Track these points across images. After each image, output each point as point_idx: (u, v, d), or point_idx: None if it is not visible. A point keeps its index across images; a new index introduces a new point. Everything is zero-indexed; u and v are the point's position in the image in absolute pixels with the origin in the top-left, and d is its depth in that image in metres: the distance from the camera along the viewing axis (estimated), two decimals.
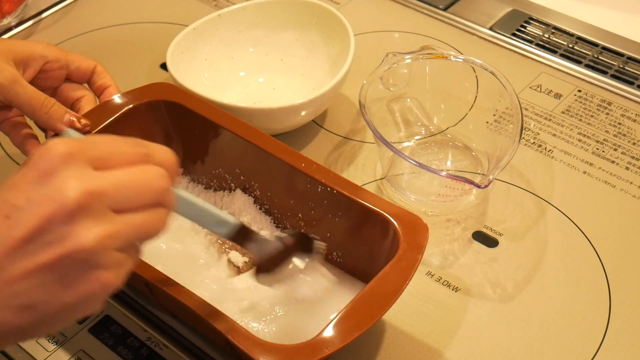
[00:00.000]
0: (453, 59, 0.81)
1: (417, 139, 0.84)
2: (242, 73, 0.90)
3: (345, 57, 0.81)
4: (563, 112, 0.88)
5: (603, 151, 0.83)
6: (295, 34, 0.90)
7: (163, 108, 0.75)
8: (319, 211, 0.69)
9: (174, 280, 0.61)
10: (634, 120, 0.87)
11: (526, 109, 0.88)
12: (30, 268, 0.43)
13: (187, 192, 0.53)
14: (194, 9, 1.02)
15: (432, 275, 0.72)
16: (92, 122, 0.70)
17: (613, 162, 0.82)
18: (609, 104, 0.89)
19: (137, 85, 0.76)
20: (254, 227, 0.72)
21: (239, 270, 0.70)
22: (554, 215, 0.77)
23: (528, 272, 0.72)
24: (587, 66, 0.94)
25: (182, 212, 0.52)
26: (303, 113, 0.80)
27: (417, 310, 0.69)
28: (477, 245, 0.74)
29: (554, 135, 0.85)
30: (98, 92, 0.75)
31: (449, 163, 0.82)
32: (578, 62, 0.94)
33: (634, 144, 0.84)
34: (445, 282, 0.71)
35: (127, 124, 0.73)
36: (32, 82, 0.71)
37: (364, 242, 0.67)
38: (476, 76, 0.81)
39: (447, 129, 0.84)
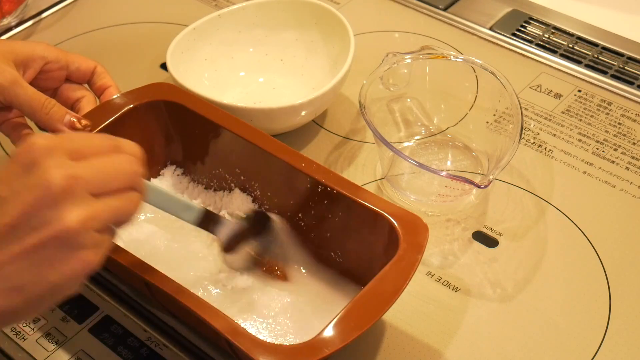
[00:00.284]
0: (453, 59, 0.81)
1: (417, 139, 0.84)
2: (242, 73, 0.90)
3: (345, 57, 0.81)
4: (563, 112, 0.88)
5: (603, 151, 0.83)
6: (295, 34, 0.90)
7: (163, 108, 0.75)
8: (319, 211, 0.69)
9: (174, 280, 0.61)
10: (634, 120, 0.87)
11: (526, 109, 0.88)
12: (18, 251, 0.47)
13: (155, 183, 0.55)
14: (194, 9, 1.02)
15: (432, 275, 0.72)
16: (92, 122, 0.70)
17: (613, 162, 0.82)
18: (609, 104, 0.89)
19: (137, 85, 0.76)
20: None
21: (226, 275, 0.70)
22: (554, 215, 0.77)
23: (528, 272, 0.72)
24: (587, 66, 0.94)
25: (152, 200, 0.57)
26: (303, 113, 0.80)
27: (417, 310, 0.69)
28: (477, 245, 0.74)
29: (554, 135, 0.85)
30: (98, 92, 0.75)
31: (449, 163, 0.82)
32: (578, 62, 0.94)
33: (634, 144, 0.84)
34: (445, 282, 0.71)
35: (127, 124, 0.73)
36: (32, 82, 0.71)
37: (364, 242, 0.67)
38: (476, 76, 0.81)
39: (447, 129, 0.84)
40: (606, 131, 0.85)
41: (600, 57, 0.95)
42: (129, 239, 0.71)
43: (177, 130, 0.76)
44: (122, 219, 0.51)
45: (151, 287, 0.63)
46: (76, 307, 0.68)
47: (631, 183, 0.80)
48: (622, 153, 0.83)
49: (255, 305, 0.67)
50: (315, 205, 0.69)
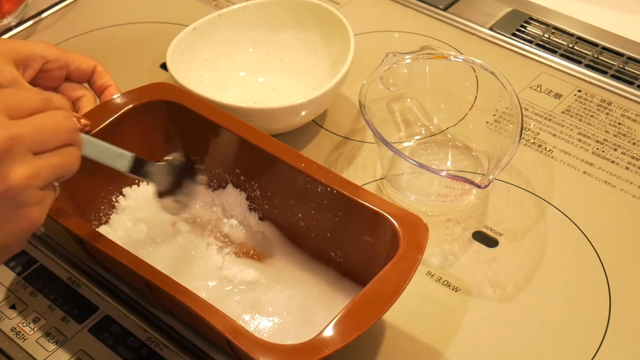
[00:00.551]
0: (453, 59, 0.81)
1: (417, 139, 0.84)
2: (242, 73, 0.90)
3: (345, 57, 0.81)
4: (563, 112, 0.88)
5: (603, 151, 0.83)
6: (295, 34, 0.90)
7: (163, 108, 0.75)
8: (319, 211, 0.69)
9: (173, 280, 0.61)
10: (634, 120, 0.87)
11: (526, 109, 0.88)
12: None
13: (86, 135, 0.59)
14: (194, 9, 1.02)
15: (432, 275, 0.72)
16: (92, 122, 0.70)
17: (613, 162, 0.82)
18: (609, 104, 0.89)
19: (137, 85, 0.76)
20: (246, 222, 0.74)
21: (231, 271, 0.70)
22: (554, 215, 0.77)
23: (528, 272, 0.72)
24: (587, 66, 0.94)
25: (87, 152, 0.58)
26: (303, 113, 0.80)
27: (417, 310, 0.69)
28: (477, 245, 0.74)
29: (554, 135, 0.85)
30: (98, 92, 0.75)
31: (449, 163, 0.82)
32: (578, 62, 0.94)
33: (634, 144, 0.84)
34: (445, 282, 0.71)
35: (127, 124, 0.73)
36: (32, 82, 0.71)
37: (364, 242, 0.67)
38: (476, 76, 0.81)
39: (447, 129, 0.84)
40: (606, 131, 0.85)
41: (600, 57, 0.95)
42: (129, 239, 0.71)
43: (177, 130, 0.76)
44: (63, 175, 0.52)
45: (151, 287, 0.63)
46: (76, 307, 0.68)
47: (631, 183, 0.80)
48: (622, 153, 0.83)
49: (255, 305, 0.67)
50: (315, 205, 0.69)
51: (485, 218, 0.77)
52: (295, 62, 0.90)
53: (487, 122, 0.82)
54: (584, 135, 0.85)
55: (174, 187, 0.68)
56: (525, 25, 0.99)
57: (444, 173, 0.72)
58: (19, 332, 0.67)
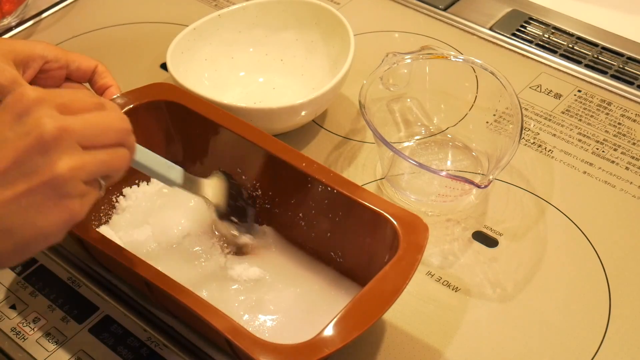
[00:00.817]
0: (453, 59, 0.81)
1: (417, 139, 0.84)
2: (242, 73, 0.90)
3: (345, 57, 0.81)
4: (563, 112, 0.88)
5: (603, 151, 0.83)
6: (295, 34, 0.90)
7: (163, 108, 0.75)
8: (319, 211, 0.69)
9: (173, 280, 0.61)
10: (634, 120, 0.87)
11: (526, 109, 0.88)
12: (9, 196, 0.49)
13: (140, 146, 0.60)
14: (194, 9, 1.02)
15: (432, 275, 0.72)
16: None
17: (613, 162, 0.82)
18: (609, 104, 0.89)
19: (137, 85, 0.76)
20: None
21: (235, 271, 0.70)
22: (554, 215, 0.77)
23: (528, 272, 0.72)
24: (587, 66, 0.94)
25: (139, 159, 0.59)
26: (303, 113, 0.80)
27: (417, 310, 0.69)
28: (477, 245, 0.74)
29: (554, 135, 0.85)
30: (99, 92, 0.75)
31: (449, 163, 0.82)
32: (578, 62, 0.94)
33: (633, 144, 0.84)
34: (445, 282, 0.71)
35: None
36: (32, 82, 0.71)
37: (364, 242, 0.67)
38: (476, 76, 0.81)
39: (447, 129, 0.84)
40: (606, 131, 0.85)
41: (600, 57, 0.95)
42: (128, 240, 0.71)
43: (178, 130, 0.76)
44: (110, 173, 0.53)
45: (151, 287, 0.63)
46: (76, 307, 0.68)
47: (631, 183, 0.80)
48: (622, 153, 0.83)
49: (257, 305, 0.67)
50: (316, 205, 0.69)
51: (485, 218, 0.77)
52: (295, 62, 0.90)
53: (487, 122, 0.82)
54: (584, 135, 0.85)
55: (230, 209, 0.69)
56: (525, 25, 1.00)
57: (443, 173, 0.72)
58: (19, 332, 0.67)
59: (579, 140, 0.84)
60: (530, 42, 0.97)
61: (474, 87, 0.82)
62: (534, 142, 0.84)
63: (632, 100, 0.89)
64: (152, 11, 1.03)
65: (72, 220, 0.51)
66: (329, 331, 0.56)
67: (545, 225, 0.76)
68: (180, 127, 0.75)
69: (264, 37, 0.90)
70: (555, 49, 0.96)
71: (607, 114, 0.87)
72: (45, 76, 0.73)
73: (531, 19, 1.00)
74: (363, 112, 0.75)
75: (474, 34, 0.99)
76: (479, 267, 0.73)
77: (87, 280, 0.70)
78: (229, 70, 0.90)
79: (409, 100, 0.85)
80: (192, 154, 0.76)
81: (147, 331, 0.67)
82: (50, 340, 0.66)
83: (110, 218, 0.74)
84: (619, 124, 0.86)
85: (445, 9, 1.02)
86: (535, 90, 0.91)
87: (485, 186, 0.70)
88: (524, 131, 0.82)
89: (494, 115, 0.81)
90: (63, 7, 1.03)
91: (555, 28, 0.99)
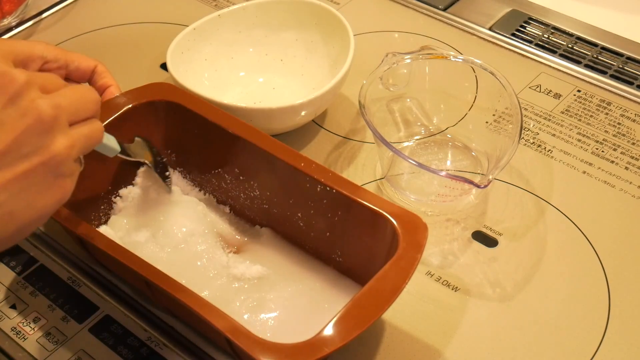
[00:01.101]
0: (453, 59, 0.81)
1: (417, 139, 0.84)
2: (242, 73, 0.90)
3: (345, 57, 0.81)
4: (562, 112, 0.88)
5: (602, 151, 0.83)
6: (295, 34, 0.90)
7: (163, 108, 0.75)
8: (319, 211, 0.69)
9: (174, 279, 0.61)
10: (634, 120, 0.87)
11: (526, 109, 0.88)
12: (10, 177, 0.49)
13: None
14: (194, 9, 1.02)
15: (432, 275, 0.72)
16: None
17: (612, 162, 0.82)
18: (609, 104, 0.89)
19: (137, 85, 0.76)
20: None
21: (238, 269, 0.70)
22: (553, 215, 0.77)
23: (528, 272, 0.72)
24: (587, 66, 0.94)
25: None
26: (303, 113, 0.80)
27: (416, 309, 0.69)
28: (477, 245, 0.75)
29: (554, 135, 0.85)
30: (99, 92, 0.75)
31: (448, 163, 0.82)
32: (577, 62, 0.94)
33: (633, 144, 0.84)
34: (445, 282, 0.71)
35: (126, 123, 0.73)
36: None
37: (364, 242, 0.67)
38: (476, 76, 0.81)
39: (447, 129, 0.84)
40: (605, 131, 0.85)
41: (599, 57, 0.95)
42: (129, 240, 0.71)
43: (177, 130, 0.76)
44: (91, 146, 0.54)
45: (151, 286, 0.63)
46: (76, 307, 0.68)
47: (630, 183, 0.80)
48: (621, 153, 0.83)
49: (258, 304, 0.67)
50: (315, 205, 0.69)
51: (485, 218, 0.77)
52: (295, 62, 0.90)
53: (487, 122, 0.82)
54: (584, 135, 0.85)
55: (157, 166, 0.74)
56: (525, 25, 1.00)
57: (443, 173, 0.72)
58: (20, 331, 0.67)
59: (579, 140, 0.85)
60: (530, 42, 0.97)
61: (473, 87, 0.82)
62: (533, 142, 0.84)
63: (631, 100, 0.89)
64: (152, 11, 1.03)
65: (63, 199, 0.52)
66: (328, 330, 0.56)
67: (544, 225, 0.76)
68: (179, 127, 0.75)
69: (264, 37, 0.90)
70: (555, 49, 0.96)
71: (607, 114, 0.88)
72: None
73: (531, 19, 1.00)
74: (363, 112, 0.75)
75: (473, 34, 0.99)
76: (478, 266, 0.73)
77: (87, 280, 0.71)
78: (229, 70, 0.90)
79: (408, 100, 0.85)
80: (191, 154, 0.76)
81: (147, 331, 0.67)
82: (50, 340, 0.66)
83: (109, 218, 0.74)
84: (619, 124, 0.86)
85: (445, 9, 1.02)
86: (534, 90, 0.91)
87: (485, 186, 0.70)
88: (523, 131, 0.82)
89: (494, 115, 0.82)
90: (63, 7, 1.03)
91: (554, 28, 0.99)
